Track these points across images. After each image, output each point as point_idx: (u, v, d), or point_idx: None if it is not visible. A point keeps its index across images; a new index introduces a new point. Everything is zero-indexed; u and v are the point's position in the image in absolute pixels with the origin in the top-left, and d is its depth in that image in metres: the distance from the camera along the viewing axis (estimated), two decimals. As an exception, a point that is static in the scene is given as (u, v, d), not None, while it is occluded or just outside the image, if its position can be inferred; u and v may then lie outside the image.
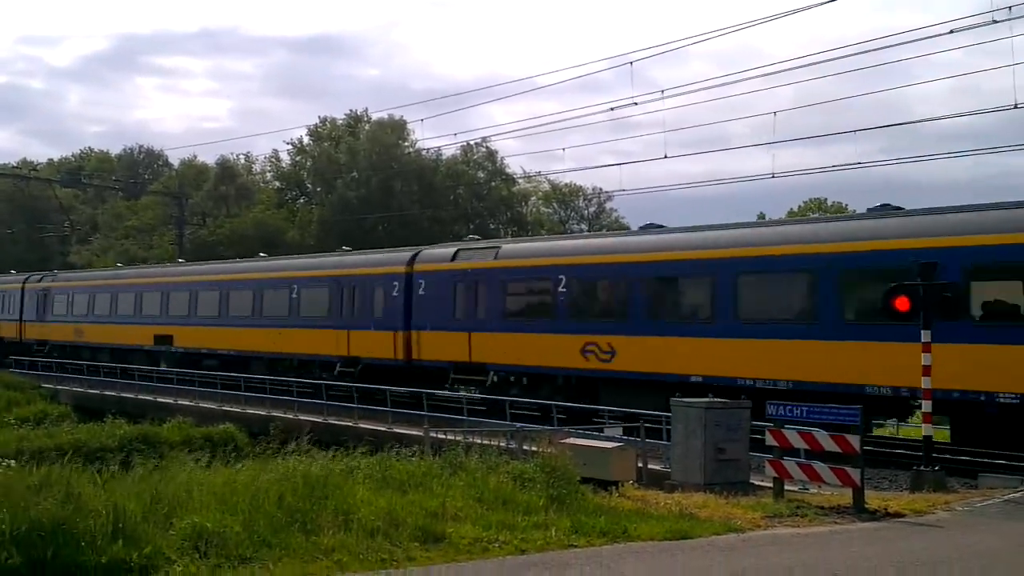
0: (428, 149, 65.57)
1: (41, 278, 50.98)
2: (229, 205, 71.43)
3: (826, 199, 64.92)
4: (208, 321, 37.02)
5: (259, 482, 9.56)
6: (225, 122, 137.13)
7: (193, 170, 77.93)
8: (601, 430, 18.06)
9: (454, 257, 27.59)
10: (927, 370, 15.10)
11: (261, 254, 43.42)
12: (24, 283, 51.28)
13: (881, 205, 20.43)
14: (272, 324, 33.43)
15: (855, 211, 41.60)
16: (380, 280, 29.32)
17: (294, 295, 32.86)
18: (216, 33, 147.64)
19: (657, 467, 16.42)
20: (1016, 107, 21.01)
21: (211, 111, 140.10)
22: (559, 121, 69.03)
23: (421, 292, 27.80)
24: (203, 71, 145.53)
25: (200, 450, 14.78)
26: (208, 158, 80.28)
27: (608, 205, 75.45)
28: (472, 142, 65.59)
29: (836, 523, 11.76)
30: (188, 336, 37.98)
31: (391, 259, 29.82)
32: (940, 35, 21.04)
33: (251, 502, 9.04)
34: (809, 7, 23.55)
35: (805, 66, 29.83)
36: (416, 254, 29.13)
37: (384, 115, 67.85)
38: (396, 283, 28.51)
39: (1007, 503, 13.54)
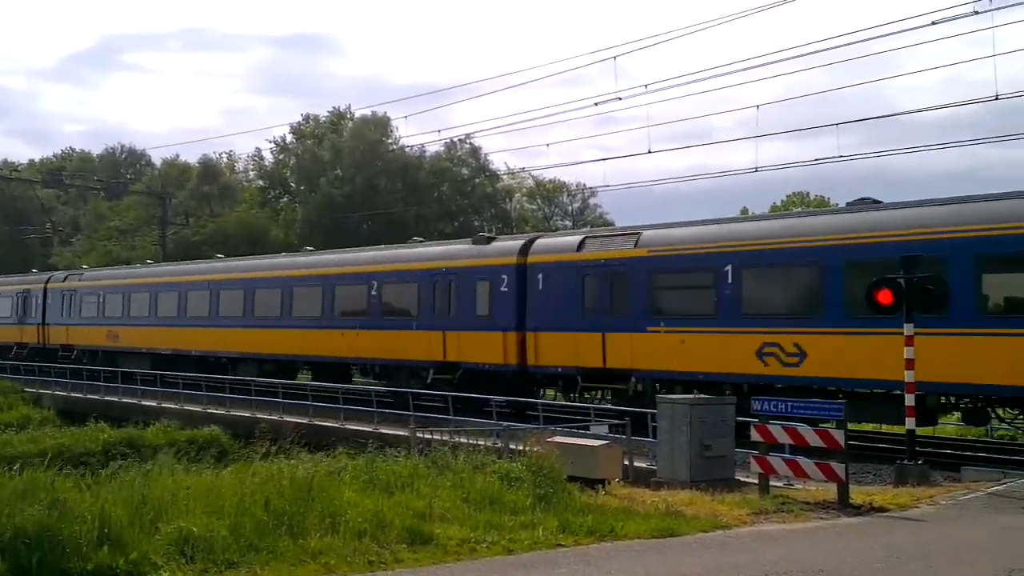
0: (412, 146, 65.55)
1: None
2: (212, 204, 71.13)
3: (808, 192, 65.25)
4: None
5: (245, 486, 9.52)
6: (208, 121, 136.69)
7: (176, 169, 77.56)
8: (587, 428, 18.08)
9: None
10: (909, 364, 15.16)
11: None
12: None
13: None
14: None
15: (836, 204, 41.37)
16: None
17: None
18: (197, 31, 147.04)
19: (643, 465, 16.47)
20: (997, 98, 21.17)
21: (193, 110, 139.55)
22: (543, 117, 68.99)
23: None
24: (185, 70, 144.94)
25: (185, 453, 14.73)
26: (191, 157, 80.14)
27: (592, 201, 75.57)
28: (456, 139, 65.57)
29: (822, 518, 11.83)
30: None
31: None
32: (923, 26, 21.20)
33: (237, 506, 9.01)
34: (790, 0, 23.63)
35: (789, 59, 29.89)
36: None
37: (368, 112, 67.79)
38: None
39: (990, 496, 13.65)
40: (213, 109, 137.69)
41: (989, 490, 14.09)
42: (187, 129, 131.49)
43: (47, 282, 47.07)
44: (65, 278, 46.63)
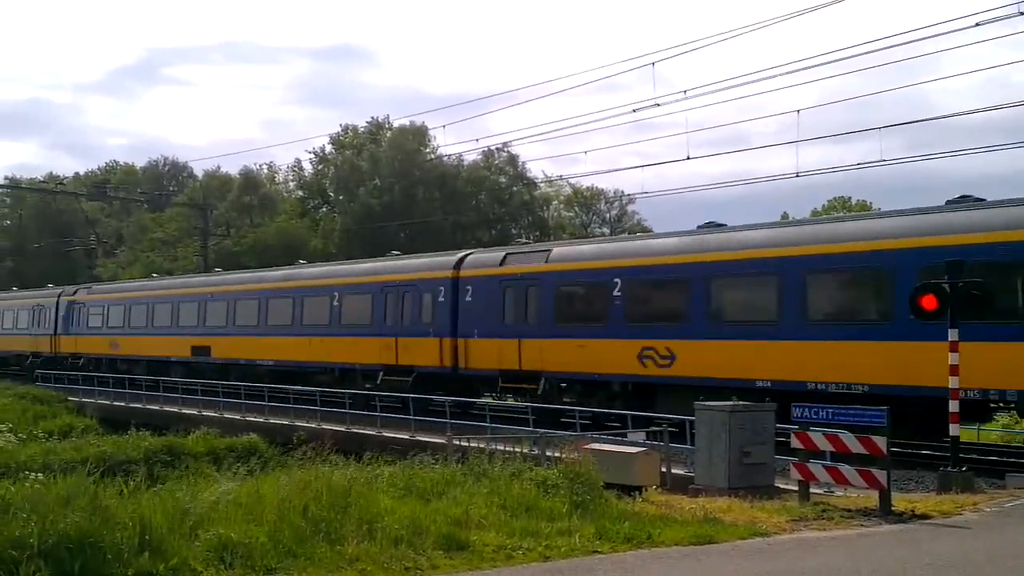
0: (450, 155, 65.80)
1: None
2: (253, 215, 71.91)
3: (850, 197, 64.55)
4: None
5: (284, 492, 9.60)
6: (248, 132, 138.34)
7: (217, 181, 78.51)
8: (624, 435, 18.00)
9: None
10: (954, 369, 14.95)
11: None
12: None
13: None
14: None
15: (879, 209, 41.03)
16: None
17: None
18: (237, 44, 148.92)
19: (681, 472, 16.35)
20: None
21: (234, 122, 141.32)
22: (580, 124, 68.85)
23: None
24: (225, 82, 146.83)
25: (223, 461, 14.84)
26: (232, 169, 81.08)
27: (630, 208, 75.33)
28: (493, 147, 65.72)
29: (863, 526, 11.67)
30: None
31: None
32: (966, 28, 20.93)
33: (276, 512, 9.09)
34: (830, 4, 23.42)
35: (828, 63, 29.70)
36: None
37: (406, 122, 68.16)
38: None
39: (1036, 503, 13.41)
40: (253, 121, 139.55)
41: (1035, 497, 13.84)
42: (228, 141, 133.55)
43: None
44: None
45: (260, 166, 79.04)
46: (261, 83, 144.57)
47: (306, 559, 8.46)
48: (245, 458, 17.40)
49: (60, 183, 78.80)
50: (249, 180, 74.46)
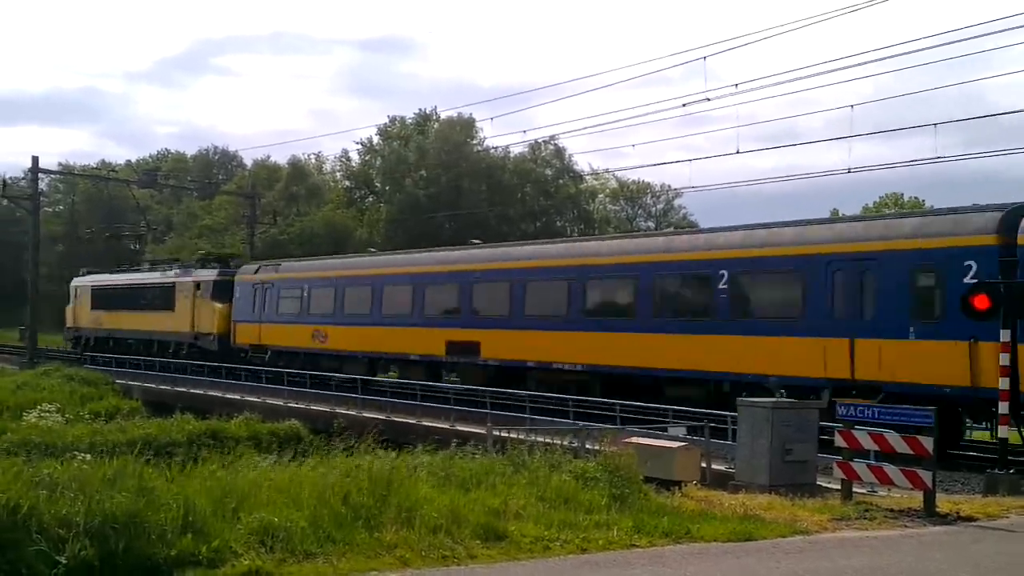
0: (496, 147, 65.86)
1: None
2: (300, 204, 72.58)
3: (903, 194, 63.48)
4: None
5: (325, 479, 9.69)
6: (296, 122, 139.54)
7: (265, 170, 79.39)
8: (665, 429, 17.93)
9: (256, 271, 30.52)
10: (1005, 371, 14.70)
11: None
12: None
13: None
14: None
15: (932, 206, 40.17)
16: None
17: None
18: (286, 35, 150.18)
19: (721, 467, 16.25)
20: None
21: (282, 111, 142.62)
22: (627, 117, 68.61)
23: None
24: (273, 72, 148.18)
25: (266, 446, 14.99)
26: (280, 158, 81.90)
27: (677, 202, 74.90)
28: (540, 140, 65.67)
29: (906, 526, 11.51)
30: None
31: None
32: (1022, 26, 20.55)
33: (317, 498, 9.18)
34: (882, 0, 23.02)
35: (881, 59, 29.21)
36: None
37: (453, 113, 68.38)
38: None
39: (1087, 507, 13.12)
40: (301, 111, 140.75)
41: (1086, 501, 13.54)
42: (276, 130, 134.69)
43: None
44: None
45: (308, 156, 79.92)
46: (309, 73, 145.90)
47: (345, 544, 8.53)
48: (287, 444, 17.59)
49: (112, 170, 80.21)
50: (297, 169, 75.19)
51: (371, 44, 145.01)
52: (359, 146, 77.59)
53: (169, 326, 44.20)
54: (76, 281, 55.44)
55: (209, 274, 42.66)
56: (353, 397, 27.78)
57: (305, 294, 36.17)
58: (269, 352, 37.42)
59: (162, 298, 44.94)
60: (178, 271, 45.65)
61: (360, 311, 33.07)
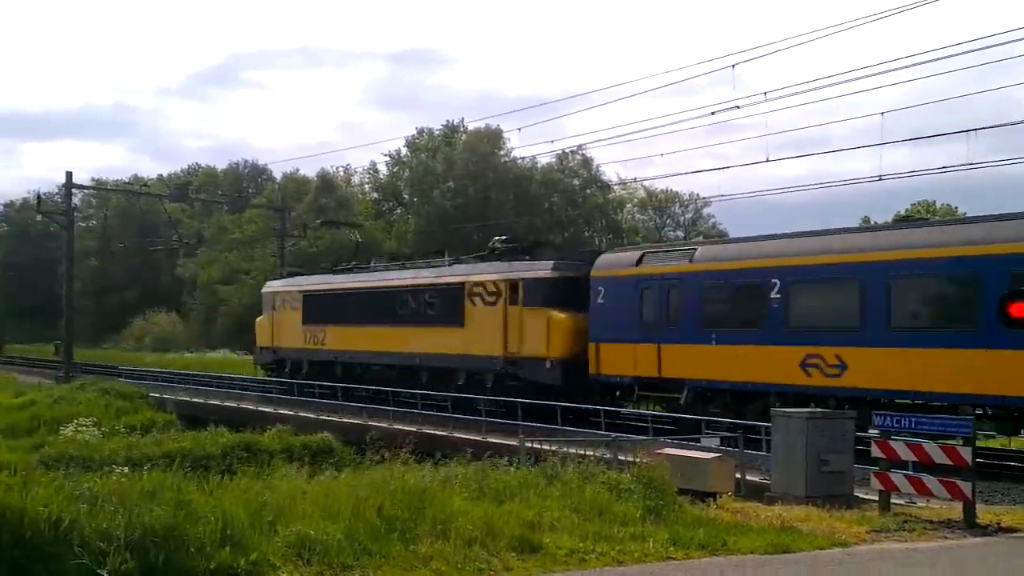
0: (524, 158, 65.97)
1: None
2: (328, 216, 73.09)
3: (935, 201, 62.84)
4: None
5: (360, 491, 9.71)
6: (325, 135, 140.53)
7: (294, 183, 80.00)
8: (698, 440, 17.81)
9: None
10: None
11: None
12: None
13: None
14: None
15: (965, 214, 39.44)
16: None
17: None
18: (314, 49, 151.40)
19: (756, 479, 16.13)
20: None
21: (311, 125, 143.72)
22: (655, 127, 68.41)
23: None
24: (302, 86, 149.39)
25: (299, 460, 15.05)
26: (309, 171, 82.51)
27: (706, 211, 74.65)
28: (567, 150, 65.73)
29: (946, 538, 11.37)
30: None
31: None
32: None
33: (352, 511, 9.19)
34: (913, 6, 22.84)
35: (911, 66, 29.03)
36: None
37: (481, 124, 68.61)
38: None
39: None
40: (330, 124, 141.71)
41: None
42: (305, 144, 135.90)
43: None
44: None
45: (336, 168, 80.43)
46: (338, 87, 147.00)
47: (381, 557, 8.53)
48: (320, 456, 17.63)
49: (144, 185, 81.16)
50: (326, 182, 75.70)
51: (399, 57, 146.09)
52: (387, 158, 78.11)
53: (455, 347, 29.59)
54: (273, 285, 41.46)
55: (536, 269, 27.69)
56: (386, 409, 27.64)
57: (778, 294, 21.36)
58: (686, 391, 22.74)
59: (441, 306, 30.58)
60: (470, 266, 31.36)
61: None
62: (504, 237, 33.01)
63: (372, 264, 38.21)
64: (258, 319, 41.72)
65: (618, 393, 25.11)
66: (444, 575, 8.39)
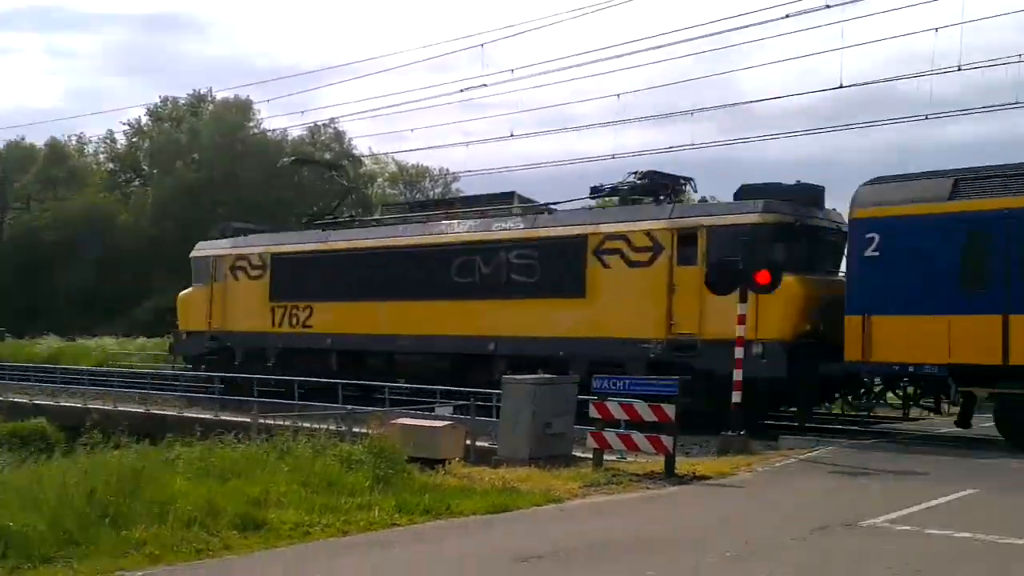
0: (274, 130, 64.35)
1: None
2: (59, 189, 68.22)
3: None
4: None
5: (67, 477, 9.32)
6: (57, 102, 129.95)
7: (19, 152, 73.92)
8: (432, 409, 18.31)
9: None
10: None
11: None
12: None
13: None
14: None
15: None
16: None
17: None
18: (48, 9, 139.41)
19: (486, 444, 16.82)
20: (841, 87, 22.24)
21: (41, 90, 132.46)
22: (409, 102, 68.64)
23: None
24: (34, 49, 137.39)
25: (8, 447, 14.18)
26: (37, 139, 76.37)
27: (454, 186, 75.74)
28: (319, 123, 64.74)
29: (648, 488, 12.36)
30: None
31: None
32: (776, 19, 22.23)
33: (59, 498, 8.82)
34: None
35: (651, 48, 30.87)
36: None
37: (229, 95, 66.15)
38: None
39: (802, 462, 14.61)
40: (63, 90, 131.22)
41: (801, 456, 15.06)
42: (33, 110, 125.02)
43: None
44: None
45: (69, 138, 75.05)
46: (74, 51, 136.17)
47: (89, 545, 8.24)
48: (29, 443, 16.60)
49: None
50: (56, 151, 70.51)
51: (144, 20, 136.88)
52: (126, 127, 73.76)
53: (569, 327, 21.64)
54: (211, 246, 31.01)
55: (733, 212, 19.87)
56: (109, 390, 26.36)
57: None
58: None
59: (541, 270, 22.45)
60: (593, 212, 24.04)
61: None
62: (636, 173, 22.62)
63: (380, 216, 30.22)
64: (183, 294, 31.31)
65: (900, 390, 18.70)
66: (159, 559, 8.17)
